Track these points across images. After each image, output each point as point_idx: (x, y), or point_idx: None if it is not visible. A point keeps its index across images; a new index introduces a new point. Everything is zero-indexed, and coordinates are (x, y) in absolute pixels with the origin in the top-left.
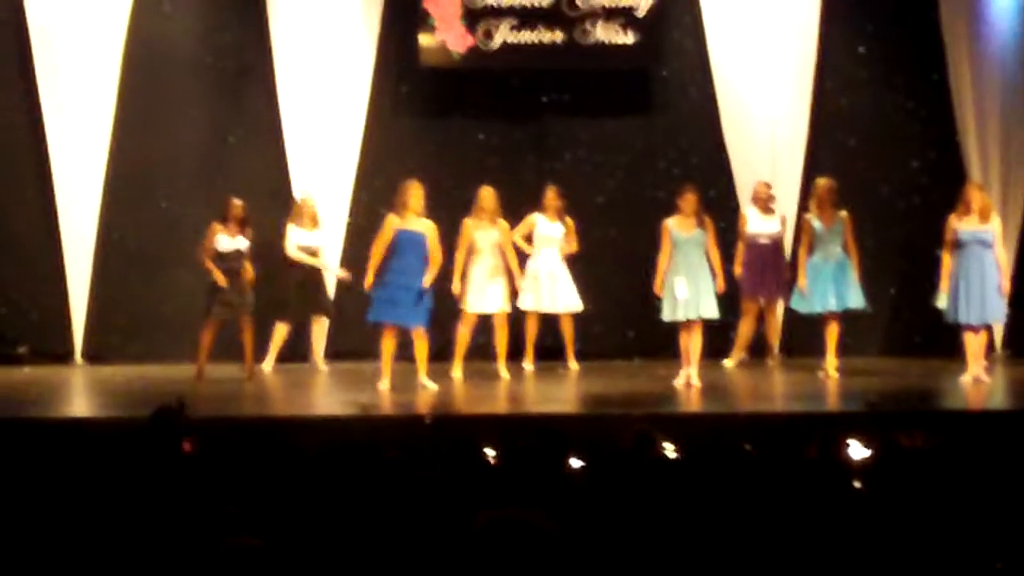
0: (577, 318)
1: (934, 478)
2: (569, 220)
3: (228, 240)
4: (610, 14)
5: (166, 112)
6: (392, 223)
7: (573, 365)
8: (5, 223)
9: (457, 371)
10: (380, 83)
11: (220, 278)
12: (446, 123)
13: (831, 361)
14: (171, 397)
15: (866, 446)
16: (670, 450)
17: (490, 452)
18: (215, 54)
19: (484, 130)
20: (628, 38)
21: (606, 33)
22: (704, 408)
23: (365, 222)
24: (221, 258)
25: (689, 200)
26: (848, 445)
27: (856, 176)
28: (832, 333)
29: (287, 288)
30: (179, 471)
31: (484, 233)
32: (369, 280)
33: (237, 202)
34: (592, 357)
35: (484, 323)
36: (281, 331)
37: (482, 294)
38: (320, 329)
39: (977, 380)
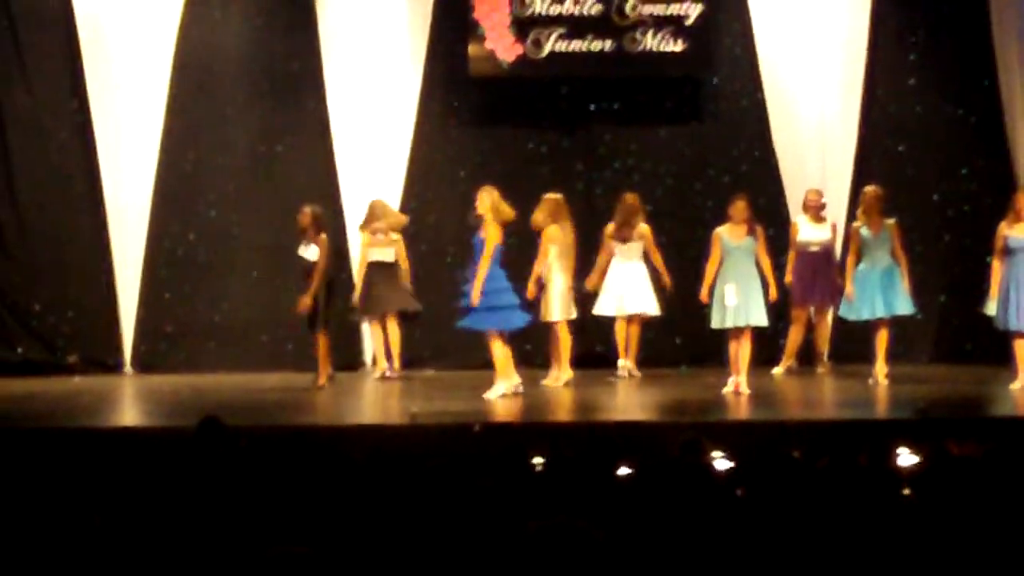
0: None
1: (984, 486)
2: (644, 226)
3: (302, 249)
4: (659, 22)
5: (215, 120)
6: (497, 234)
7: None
8: (55, 233)
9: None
10: (429, 92)
11: (299, 300)
12: (495, 132)
13: (881, 368)
14: (219, 408)
15: (916, 453)
16: (720, 458)
17: (538, 460)
18: (265, 62)
19: (533, 139)
20: (677, 46)
21: (655, 41)
22: (753, 416)
23: (413, 229)
24: (300, 268)
25: (739, 208)
26: (898, 453)
27: (906, 183)
28: (882, 340)
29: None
30: (226, 480)
31: (567, 236)
32: (476, 295)
33: (305, 210)
34: (641, 365)
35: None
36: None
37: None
38: (394, 332)
39: None
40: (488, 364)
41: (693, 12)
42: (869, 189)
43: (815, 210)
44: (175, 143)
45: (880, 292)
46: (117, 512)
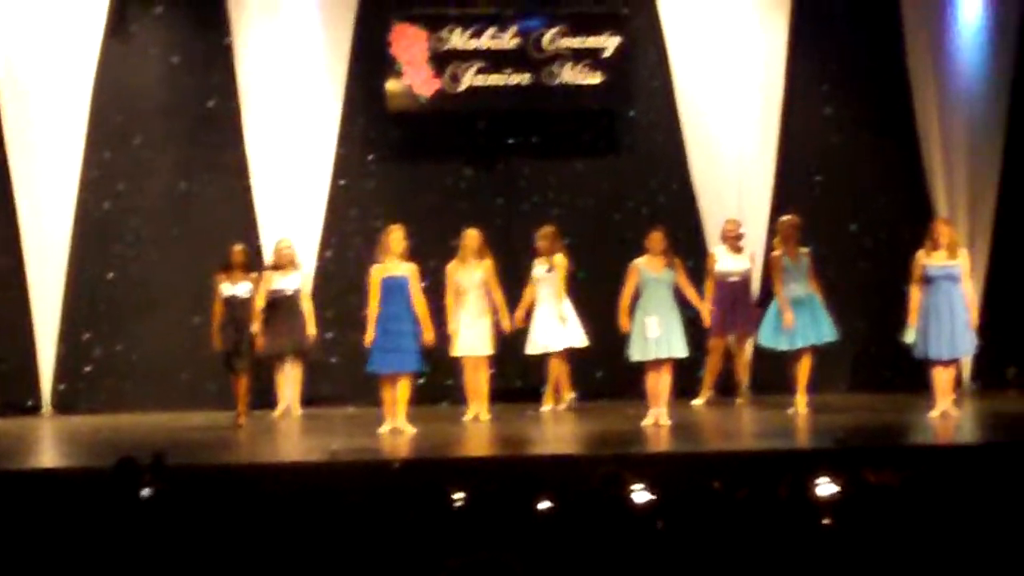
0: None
1: (902, 514)
2: (558, 256)
3: (230, 287)
4: (577, 55)
5: (134, 159)
6: (376, 273)
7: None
8: None
9: (484, 413)
10: (348, 128)
11: (216, 341)
12: (414, 167)
13: (801, 398)
14: (139, 448)
15: (835, 483)
16: (640, 490)
17: (458, 495)
18: (183, 101)
19: (452, 174)
20: (595, 79)
21: (573, 74)
22: (674, 448)
23: (334, 267)
24: (227, 305)
25: (656, 239)
26: (818, 482)
27: (824, 213)
28: (804, 369)
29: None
30: (142, 519)
31: (468, 274)
32: (370, 336)
33: (238, 248)
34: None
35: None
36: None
37: (468, 337)
38: (296, 374)
39: (946, 415)
40: (411, 399)
41: (611, 45)
42: (786, 218)
43: (733, 240)
44: (94, 183)
45: (805, 321)
46: (35, 553)
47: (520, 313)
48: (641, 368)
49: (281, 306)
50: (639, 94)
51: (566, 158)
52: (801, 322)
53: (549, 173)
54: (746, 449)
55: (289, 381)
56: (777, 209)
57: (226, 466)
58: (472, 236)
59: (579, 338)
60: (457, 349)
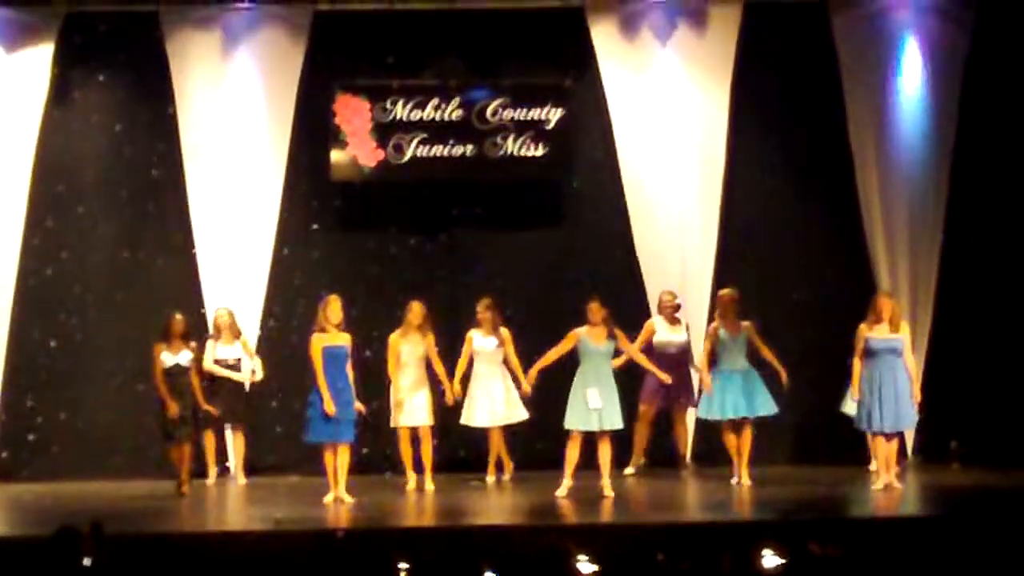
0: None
1: None
2: (504, 330)
3: (171, 356)
4: (520, 127)
5: (76, 227)
6: (317, 343)
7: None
8: None
9: (429, 483)
10: (291, 196)
11: (171, 407)
12: (358, 237)
13: (744, 470)
14: (81, 516)
15: (780, 555)
16: (584, 562)
17: (403, 566)
18: (126, 169)
19: (396, 243)
20: (538, 151)
21: (516, 146)
22: (617, 519)
23: (277, 335)
24: (168, 375)
25: (594, 309)
26: (763, 554)
27: (767, 283)
28: (745, 441)
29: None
30: None
31: (410, 346)
32: (330, 406)
33: (178, 317)
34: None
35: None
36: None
37: (409, 408)
38: (239, 442)
39: (889, 487)
40: (352, 469)
41: (554, 117)
42: (725, 292)
43: (670, 311)
44: (35, 250)
45: (741, 393)
46: None
47: (457, 385)
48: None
49: (223, 375)
50: (582, 166)
51: (510, 229)
52: (735, 395)
53: (493, 244)
54: (689, 521)
55: (234, 449)
56: (719, 279)
57: (169, 534)
58: (416, 310)
59: (521, 413)
60: (399, 420)
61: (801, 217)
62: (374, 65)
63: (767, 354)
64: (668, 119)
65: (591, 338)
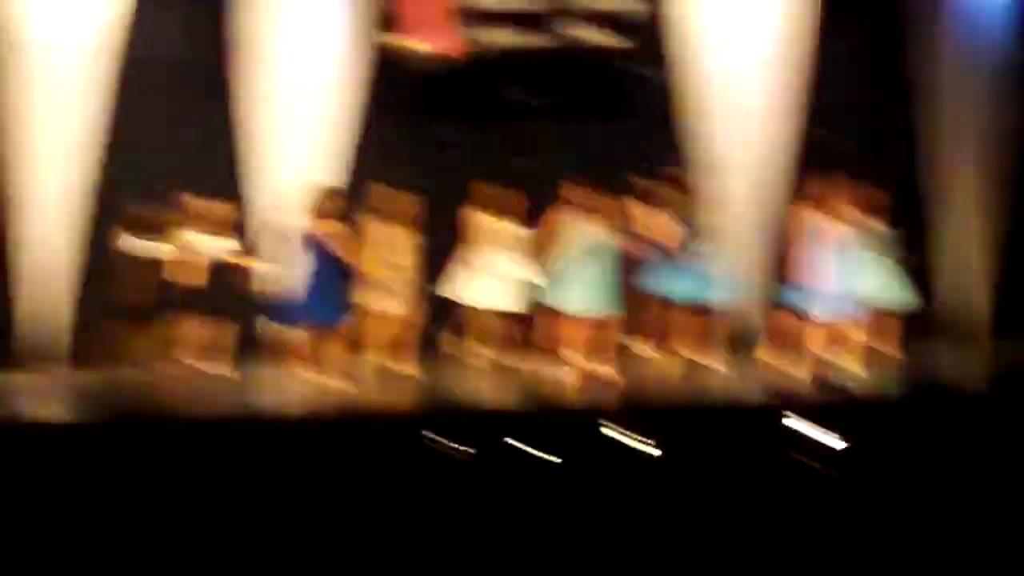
0: None
1: None
2: None
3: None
4: (593, 18)
5: (135, 117)
6: None
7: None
8: None
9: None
10: (356, 85)
11: None
12: (424, 126)
13: None
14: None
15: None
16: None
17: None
18: (189, 57)
19: (463, 133)
20: (611, 41)
21: (589, 35)
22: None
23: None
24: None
25: None
26: None
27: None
28: None
29: None
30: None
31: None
32: None
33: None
34: None
35: None
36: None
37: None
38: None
39: None
40: None
41: (629, 8)
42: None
43: None
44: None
45: None
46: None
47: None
48: None
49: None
50: (657, 57)
51: (581, 119)
52: None
53: (564, 133)
54: None
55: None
56: (798, 170)
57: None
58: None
59: None
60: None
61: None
62: None
63: None
64: (753, 12)
65: None
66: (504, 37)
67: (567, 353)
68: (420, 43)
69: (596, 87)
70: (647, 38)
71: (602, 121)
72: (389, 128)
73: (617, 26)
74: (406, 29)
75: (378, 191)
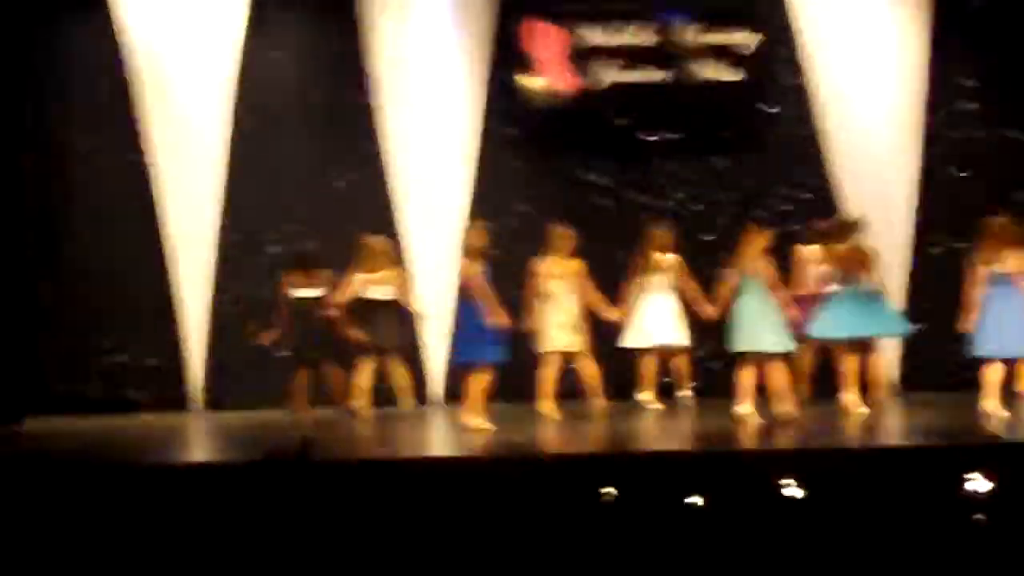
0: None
1: None
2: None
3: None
4: (717, 52)
5: (275, 156)
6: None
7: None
8: (121, 273)
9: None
10: (487, 125)
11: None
12: (553, 165)
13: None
14: (292, 439)
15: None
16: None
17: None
18: (321, 96)
19: (593, 171)
20: (735, 75)
21: (713, 71)
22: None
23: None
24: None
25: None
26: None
27: (966, 209)
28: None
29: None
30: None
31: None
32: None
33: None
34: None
35: None
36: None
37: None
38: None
39: None
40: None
41: (750, 42)
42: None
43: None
44: (237, 181)
45: None
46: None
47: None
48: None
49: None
50: (779, 91)
51: (706, 155)
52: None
53: (689, 170)
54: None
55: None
56: (922, 203)
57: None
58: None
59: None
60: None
61: (1004, 141)
62: None
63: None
64: (866, 42)
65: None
66: (623, 74)
67: (778, 395)
68: (543, 81)
69: (714, 121)
70: (763, 70)
71: (721, 155)
72: (515, 168)
73: (729, 59)
74: (531, 67)
75: (552, 229)
